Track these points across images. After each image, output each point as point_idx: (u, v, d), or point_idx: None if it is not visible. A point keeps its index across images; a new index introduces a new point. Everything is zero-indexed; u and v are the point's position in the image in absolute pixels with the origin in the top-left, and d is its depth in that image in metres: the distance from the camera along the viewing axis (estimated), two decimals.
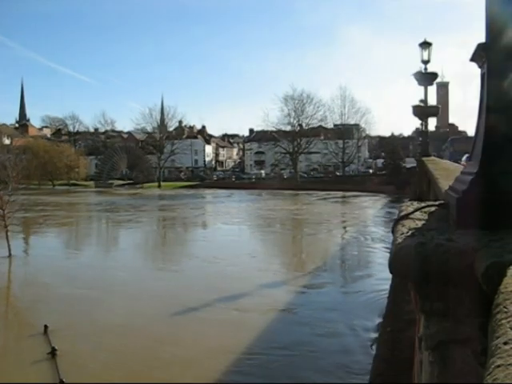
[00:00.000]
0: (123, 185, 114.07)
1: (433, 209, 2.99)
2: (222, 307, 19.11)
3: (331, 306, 20.04)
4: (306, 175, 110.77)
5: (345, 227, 45.73)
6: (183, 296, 20.91)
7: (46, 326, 16.50)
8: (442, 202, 3.22)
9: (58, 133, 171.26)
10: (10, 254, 30.49)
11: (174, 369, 13.59)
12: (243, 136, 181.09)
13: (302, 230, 45.05)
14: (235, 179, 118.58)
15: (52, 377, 12.97)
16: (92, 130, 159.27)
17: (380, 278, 21.93)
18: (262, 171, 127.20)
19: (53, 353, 14.40)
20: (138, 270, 26.77)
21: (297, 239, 40.82)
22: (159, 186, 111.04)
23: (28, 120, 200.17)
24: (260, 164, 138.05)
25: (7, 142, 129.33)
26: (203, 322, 17.40)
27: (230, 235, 40.52)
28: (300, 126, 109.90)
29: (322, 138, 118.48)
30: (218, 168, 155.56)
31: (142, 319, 17.83)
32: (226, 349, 14.88)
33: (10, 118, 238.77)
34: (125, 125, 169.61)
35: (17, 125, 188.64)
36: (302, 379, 13.19)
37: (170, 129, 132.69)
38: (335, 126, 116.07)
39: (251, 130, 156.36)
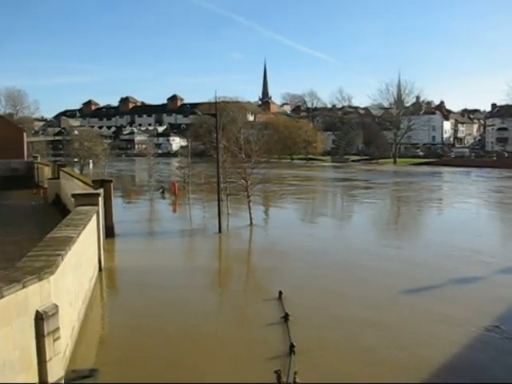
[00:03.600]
0: (359, 160, 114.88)
1: None
2: (455, 298, 18.09)
3: None
4: None
5: None
6: (412, 280, 20.31)
7: (280, 292, 17.32)
8: None
9: (297, 109, 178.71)
10: (251, 223, 32.64)
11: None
12: (484, 111, 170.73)
13: None
14: (474, 157, 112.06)
15: (283, 340, 13.61)
16: (329, 106, 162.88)
17: None
18: (467, 150, 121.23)
19: (286, 318, 15.07)
20: (368, 248, 26.73)
21: None
22: (395, 162, 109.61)
23: (270, 97, 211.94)
24: (502, 141, 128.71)
25: (251, 118, 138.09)
26: (427, 313, 16.61)
27: (467, 217, 38.43)
28: None
29: None
30: (457, 145, 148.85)
31: (370, 300, 17.74)
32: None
33: (254, 96, 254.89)
34: (361, 101, 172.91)
35: (260, 102, 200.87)
36: None
37: (407, 104, 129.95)
38: None
39: (493, 105, 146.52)
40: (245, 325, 15.80)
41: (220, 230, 30.25)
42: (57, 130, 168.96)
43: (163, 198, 50.54)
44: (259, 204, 41.62)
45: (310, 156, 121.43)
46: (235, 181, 35.84)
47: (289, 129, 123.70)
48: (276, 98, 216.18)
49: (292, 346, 12.79)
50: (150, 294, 18.40)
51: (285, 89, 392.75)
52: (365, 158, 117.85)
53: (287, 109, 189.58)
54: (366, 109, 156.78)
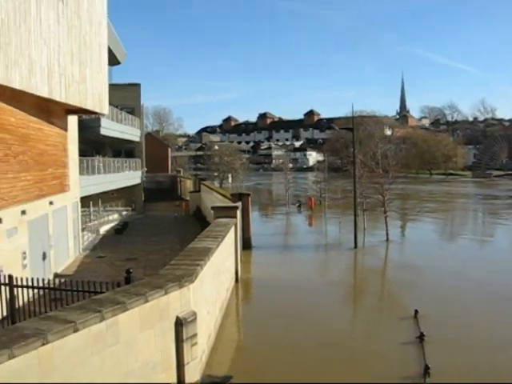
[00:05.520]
0: (503, 175, 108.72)
1: None
2: None
3: None
4: None
5: None
6: None
7: (416, 311, 16.86)
8: None
9: (436, 122, 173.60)
10: (387, 239, 32.07)
11: None
12: None
13: None
14: None
15: (417, 361, 13.20)
16: (470, 118, 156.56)
17: None
18: None
19: (421, 338, 14.62)
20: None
21: None
22: None
23: (408, 111, 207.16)
24: None
25: (388, 132, 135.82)
26: None
27: None
28: None
29: None
30: None
31: None
32: None
33: (391, 110, 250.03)
34: (506, 112, 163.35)
35: (397, 116, 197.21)
36: None
37: None
38: None
39: None
40: (378, 342, 15.47)
41: (356, 246, 30.01)
42: (198, 145, 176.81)
43: (299, 211, 51.07)
44: (396, 220, 40.71)
45: (450, 171, 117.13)
46: (372, 196, 35.41)
47: (427, 143, 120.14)
48: (414, 111, 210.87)
49: (427, 368, 12.39)
50: (284, 306, 18.64)
51: (423, 102, 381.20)
52: (509, 172, 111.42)
53: (426, 122, 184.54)
54: (510, 121, 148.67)
